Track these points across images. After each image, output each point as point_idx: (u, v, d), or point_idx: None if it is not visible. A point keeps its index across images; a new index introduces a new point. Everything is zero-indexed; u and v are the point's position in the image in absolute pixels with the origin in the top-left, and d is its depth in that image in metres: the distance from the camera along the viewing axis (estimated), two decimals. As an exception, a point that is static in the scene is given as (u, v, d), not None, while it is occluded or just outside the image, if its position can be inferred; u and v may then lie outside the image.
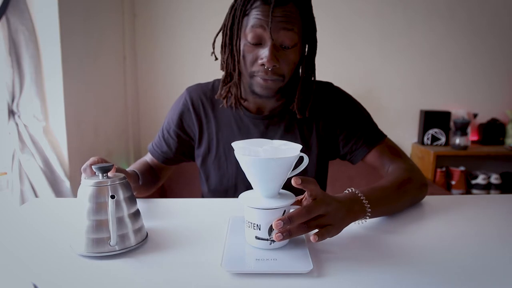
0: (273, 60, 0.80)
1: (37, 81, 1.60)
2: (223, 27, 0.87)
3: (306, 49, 0.89)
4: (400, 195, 0.79)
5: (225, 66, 0.89)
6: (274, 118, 0.95)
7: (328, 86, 1.00)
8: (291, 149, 0.63)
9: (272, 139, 0.93)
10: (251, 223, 0.62)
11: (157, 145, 1.04)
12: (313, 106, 0.95)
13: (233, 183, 0.97)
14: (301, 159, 0.65)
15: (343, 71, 2.59)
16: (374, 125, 0.99)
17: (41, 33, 1.63)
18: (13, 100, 1.56)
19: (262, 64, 0.81)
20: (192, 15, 2.54)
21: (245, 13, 0.81)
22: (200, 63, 2.56)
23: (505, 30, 2.61)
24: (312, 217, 0.60)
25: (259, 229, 0.61)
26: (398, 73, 2.65)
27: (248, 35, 0.81)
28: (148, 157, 1.08)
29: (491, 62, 2.66)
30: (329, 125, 0.97)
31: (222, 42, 0.88)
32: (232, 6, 0.85)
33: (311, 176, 0.98)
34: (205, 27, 2.53)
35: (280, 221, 0.58)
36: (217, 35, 0.91)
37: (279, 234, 0.58)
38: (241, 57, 0.84)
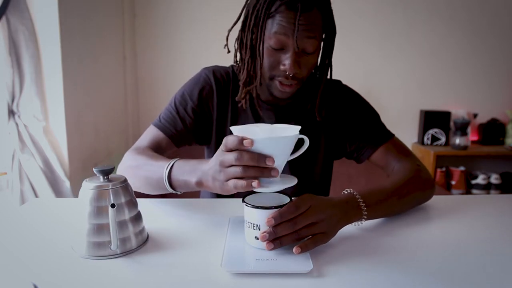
0: (295, 67, 0.80)
1: (37, 81, 1.60)
2: (245, 27, 0.85)
3: (322, 49, 0.89)
4: (402, 197, 0.77)
5: (245, 67, 0.86)
6: (285, 114, 0.95)
7: (337, 84, 1.00)
8: (290, 129, 0.62)
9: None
10: (251, 223, 0.62)
11: (168, 122, 0.94)
12: (322, 105, 0.95)
13: None
14: (300, 144, 0.64)
15: (343, 71, 2.57)
16: (382, 124, 0.98)
17: (41, 33, 1.63)
18: (13, 100, 1.56)
19: (283, 70, 0.81)
20: (192, 15, 2.54)
21: (269, 16, 0.80)
22: (200, 63, 2.55)
23: (505, 30, 2.61)
24: (298, 228, 0.60)
25: (259, 229, 0.61)
26: (398, 73, 2.65)
27: (271, 40, 0.80)
28: (147, 139, 0.94)
29: (491, 62, 2.66)
30: (337, 123, 0.97)
31: (240, 41, 0.86)
32: (254, 6, 0.82)
33: (318, 176, 1.00)
34: (205, 27, 2.53)
35: (265, 233, 0.59)
36: (230, 29, 0.89)
37: (269, 243, 0.59)
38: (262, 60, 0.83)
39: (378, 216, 0.74)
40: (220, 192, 0.64)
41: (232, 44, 0.89)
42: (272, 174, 0.58)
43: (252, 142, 0.57)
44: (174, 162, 0.75)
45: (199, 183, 0.68)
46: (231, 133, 0.61)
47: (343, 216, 0.65)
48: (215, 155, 0.64)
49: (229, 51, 0.91)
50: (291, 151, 0.62)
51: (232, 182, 0.60)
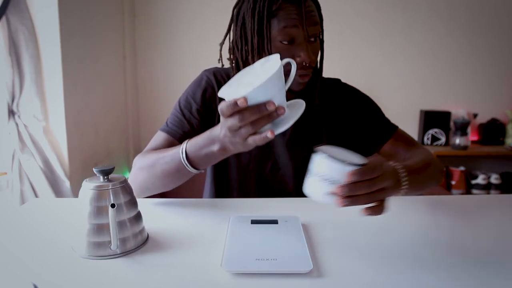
0: (311, 55, 0.83)
1: (37, 81, 1.60)
2: (248, 33, 0.84)
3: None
4: (427, 176, 0.79)
5: None
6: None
7: (336, 82, 1.02)
8: (271, 63, 0.61)
9: (287, 132, 0.95)
10: (326, 177, 0.58)
11: (176, 125, 0.94)
12: (322, 103, 0.96)
13: (254, 168, 0.96)
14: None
15: (343, 70, 2.58)
16: (385, 118, 1.00)
17: (41, 33, 1.63)
18: (13, 100, 1.56)
19: (300, 62, 0.83)
20: (192, 15, 2.54)
21: (272, 15, 0.82)
22: (200, 63, 2.56)
23: (505, 30, 2.61)
24: (374, 189, 0.58)
25: (334, 184, 0.57)
26: (398, 73, 2.65)
27: (280, 35, 0.82)
28: (155, 144, 0.94)
29: (491, 62, 2.66)
30: (341, 121, 0.98)
31: (245, 48, 0.86)
32: (253, 11, 0.83)
33: None
34: (205, 27, 2.54)
35: (344, 187, 0.56)
36: (223, 41, 0.89)
37: (343, 200, 0.57)
38: None
39: (410, 192, 0.71)
40: (246, 150, 0.64)
41: (224, 56, 0.90)
42: (279, 114, 0.58)
43: (245, 99, 0.57)
44: (186, 144, 0.76)
45: (222, 150, 0.68)
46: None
47: (397, 186, 0.65)
48: (220, 122, 0.64)
49: (223, 65, 0.93)
50: (283, 82, 0.60)
51: (251, 140, 0.61)
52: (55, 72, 1.68)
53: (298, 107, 0.62)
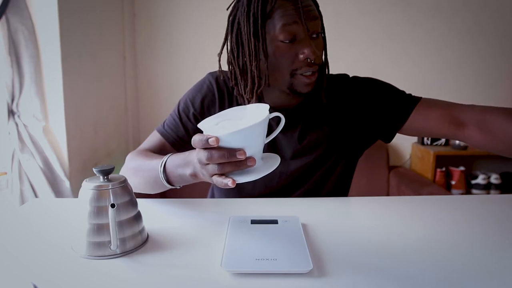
0: (315, 51, 0.79)
1: (37, 81, 1.60)
2: (244, 37, 0.81)
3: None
4: None
5: (256, 74, 0.83)
6: (293, 117, 0.92)
7: (344, 78, 0.97)
8: (259, 113, 0.58)
9: (293, 135, 0.93)
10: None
11: (171, 128, 0.95)
12: (330, 102, 0.92)
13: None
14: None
15: (345, 70, 2.58)
16: (405, 94, 0.91)
17: (40, 33, 1.63)
18: (13, 100, 1.56)
19: (305, 59, 0.79)
20: (191, 14, 2.54)
21: (268, 16, 0.78)
22: (199, 63, 2.56)
23: (508, 31, 2.61)
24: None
25: None
26: (401, 72, 2.65)
27: (280, 35, 0.78)
28: (149, 144, 0.97)
29: (494, 62, 2.65)
30: (353, 116, 0.93)
31: (242, 55, 0.84)
32: (247, 13, 0.80)
33: (336, 176, 0.97)
34: (205, 26, 2.53)
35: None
36: (221, 51, 0.87)
37: None
38: (274, 59, 0.81)
39: None
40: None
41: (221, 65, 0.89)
42: (248, 165, 0.57)
43: (217, 140, 0.55)
44: (168, 158, 0.75)
45: (194, 175, 0.68)
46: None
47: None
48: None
49: (222, 77, 0.93)
50: (263, 135, 0.59)
51: (215, 180, 0.60)
52: (55, 72, 1.68)
53: (273, 162, 0.60)
